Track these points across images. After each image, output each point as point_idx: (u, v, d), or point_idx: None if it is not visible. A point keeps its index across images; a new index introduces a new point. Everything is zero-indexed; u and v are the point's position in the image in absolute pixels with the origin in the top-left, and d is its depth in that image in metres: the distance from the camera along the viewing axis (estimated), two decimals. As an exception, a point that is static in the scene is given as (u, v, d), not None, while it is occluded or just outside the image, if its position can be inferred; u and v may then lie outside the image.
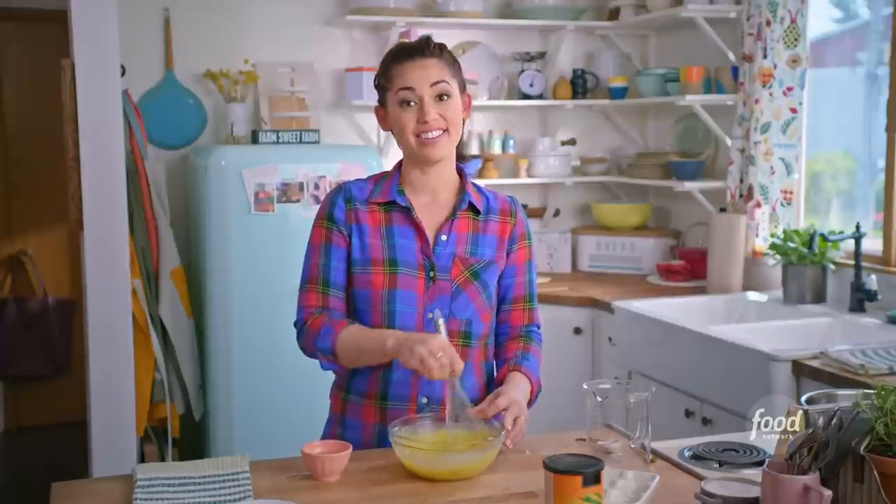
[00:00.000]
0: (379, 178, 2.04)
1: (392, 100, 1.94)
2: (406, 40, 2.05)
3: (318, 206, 2.05)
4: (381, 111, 2.01)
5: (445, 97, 1.93)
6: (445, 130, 1.93)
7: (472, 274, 1.96)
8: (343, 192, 2.00)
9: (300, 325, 1.98)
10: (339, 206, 1.98)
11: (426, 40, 1.96)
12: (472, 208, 2.01)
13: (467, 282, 1.96)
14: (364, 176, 2.09)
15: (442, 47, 1.97)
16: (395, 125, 1.95)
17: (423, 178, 1.99)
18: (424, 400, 1.92)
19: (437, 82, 1.91)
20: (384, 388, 1.94)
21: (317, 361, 2.00)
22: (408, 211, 1.97)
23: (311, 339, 1.95)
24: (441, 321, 1.85)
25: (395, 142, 2.01)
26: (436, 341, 1.79)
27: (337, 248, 1.97)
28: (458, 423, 1.82)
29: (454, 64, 1.97)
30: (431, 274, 1.94)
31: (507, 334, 2.06)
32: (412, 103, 1.92)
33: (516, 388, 1.92)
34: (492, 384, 2.03)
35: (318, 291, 1.97)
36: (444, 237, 1.97)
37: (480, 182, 4.14)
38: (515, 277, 2.05)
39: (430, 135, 1.92)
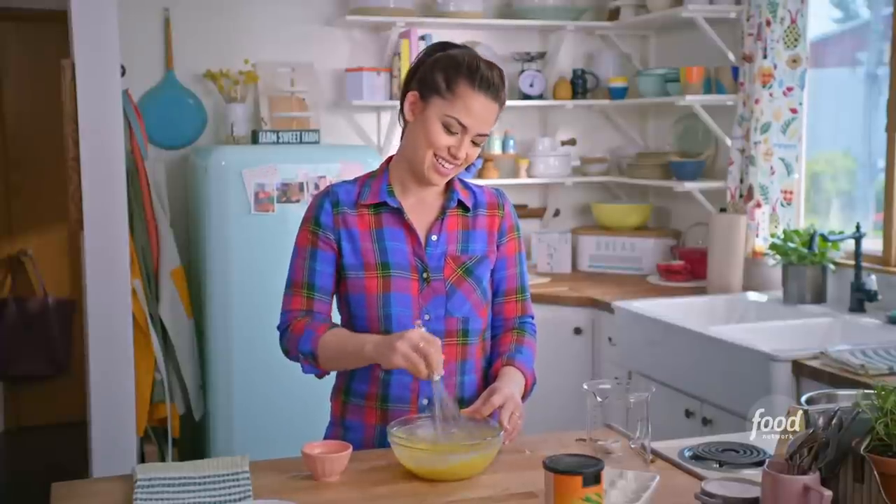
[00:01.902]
0: (366, 180, 2.01)
1: (438, 110, 1.87)
2: (478, 60, 1.90)
3: (305, 209, 2.02)
4: (419, 103, 1.91)
5: (480, 142, 1.92)
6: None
7: (464, 271, 1.96)
8: (330, 196, 1.97)
9: (283, 328, 1.97)
10: (325, 211, 1.96)
11: (501, 80, 1.90)
12: (461, 205, 2.00)
13: (461, 280, 1.95)
14: None
15: (503, 87, 1.91)
16: (424, 134, 1.89)
17: (414, 182, 1.97)
18: (425, 401, 1.91)
19: (485, 134, 1.91)
20: (384, 390, 1.94)
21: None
22: (399, 212, 1.96)
23: (293, 342, 1.94)
24: (419, 321, 1.85)
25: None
26: (415, 333, 1.77)
27: (322, 253, 1.95)
28: (447, 426, 1.80)
29: (502, 105, 1.94)
30: (425, 275, 1.94)
31: (501, 326, 2.06)
32: (455, 132, 1.88)
33: (511, 382, 1.92)
34: (488, 378, 2.02)
35: (302, 295, 1.96)
36: (434, 237, 1.96)
37: (480, 183, 4.15)
38: (507, 270, 2.05)
39: (447, 166, 1.90)
